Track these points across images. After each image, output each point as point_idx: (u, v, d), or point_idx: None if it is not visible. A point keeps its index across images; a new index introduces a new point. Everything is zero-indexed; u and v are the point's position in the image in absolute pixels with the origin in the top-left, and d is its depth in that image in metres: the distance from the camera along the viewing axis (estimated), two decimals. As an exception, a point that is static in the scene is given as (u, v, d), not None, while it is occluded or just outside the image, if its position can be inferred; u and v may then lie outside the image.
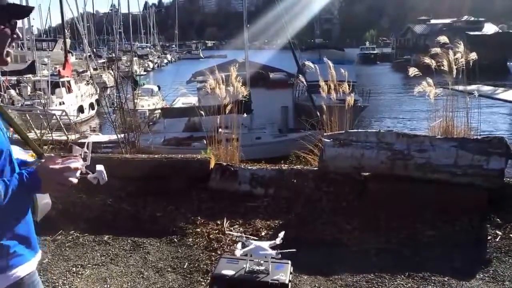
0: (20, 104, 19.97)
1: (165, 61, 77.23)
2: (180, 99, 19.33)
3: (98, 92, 26.32)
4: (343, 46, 39.63)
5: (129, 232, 4.56)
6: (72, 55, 35.18)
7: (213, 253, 4.10)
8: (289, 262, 3.02)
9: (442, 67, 6.54)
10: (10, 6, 1.63)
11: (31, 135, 11.63)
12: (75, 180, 1.63)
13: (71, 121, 16.53)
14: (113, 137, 10.98)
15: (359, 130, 5.40)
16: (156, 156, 6.08)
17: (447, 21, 69.63)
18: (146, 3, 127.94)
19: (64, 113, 15.99)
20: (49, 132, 12.91)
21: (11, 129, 1.95)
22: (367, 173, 5.09)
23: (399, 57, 67.99)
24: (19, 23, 1.75)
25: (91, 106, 26.43)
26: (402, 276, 3.70)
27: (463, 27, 59.50)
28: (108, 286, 3.66)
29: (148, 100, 21.25)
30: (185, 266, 3.93)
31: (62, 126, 14.02)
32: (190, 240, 4.40)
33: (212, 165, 5.45)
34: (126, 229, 4.61)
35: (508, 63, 46.35)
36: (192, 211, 4.89)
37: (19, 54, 33.06)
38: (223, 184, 5.29)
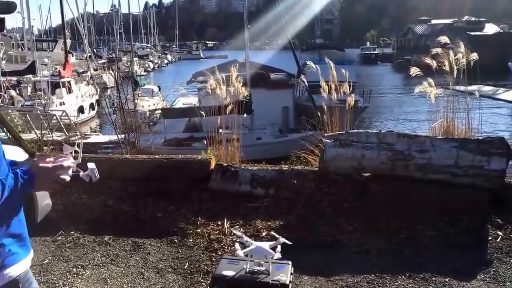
0: (20, 105, 19.96)
1: (166, 61, 77.24)
2: (180, 100, 19.33)
3: (98, 92, 26.29)
4: (343, 47, 39.59)
5: (129, 232, 4.56)
6: (72, 56, 35.16)
7: (214, 254, 4.09)
8: (290, 262, 3.01)
9: (443, 67, 6.54)
10: None
11: (32, 135, 11.64)
12: (68, 178, 1.66)
13: (72, 122, 16.51)
14: (114, 137, 10.98)
15: (360, 131, 5.39)
16: (156, 156, 6.07)
17: (448, 21, 69.55)
18: (146, 3, 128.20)
19: (64, 114, 15.96)
20: (50, 132, 12.91)
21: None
22: (367, 174, 5.09)
23: (400, 57, 67.94)
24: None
25: (92, 106, 26.44)
26: (403, 276, 3.69)
27: (464, 27, 59.45)
28: (109, 286, 3.65)
29: (148, 100, 21.24)
30: (185, 267, 3.93)
31: (63, 127, 14.00)
32: (191, 240, 4.40)
33: (212, 165, 5.44)
34: (126, 230, 4.61)
35: (509, 63, 46.43)
36: (193, 212, 4.89)
37: (19, 55, 33.17)
38: (224, 184, 5.29)
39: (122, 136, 9.20)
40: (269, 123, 15.67)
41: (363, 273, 3.75)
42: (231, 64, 10.51)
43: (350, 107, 6.94)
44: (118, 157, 6.22)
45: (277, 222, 4.63)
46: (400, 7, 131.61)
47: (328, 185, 5.05)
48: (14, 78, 24.59)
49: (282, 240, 3.10)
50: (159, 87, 26.04)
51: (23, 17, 28.36)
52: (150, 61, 64.40)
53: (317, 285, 3.63)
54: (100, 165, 5.90)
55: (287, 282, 2.80)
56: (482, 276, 3.68)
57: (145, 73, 47.98)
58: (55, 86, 22.97)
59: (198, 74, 17.11)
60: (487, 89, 25.09)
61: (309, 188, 5.08)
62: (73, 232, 4.61)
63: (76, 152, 1.75)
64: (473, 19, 69.16)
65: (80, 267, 3.94)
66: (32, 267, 3.87)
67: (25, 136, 11.36)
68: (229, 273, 2.88)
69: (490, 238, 4.24)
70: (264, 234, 4.40)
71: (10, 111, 14.59)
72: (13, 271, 1.66)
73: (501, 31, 63.00)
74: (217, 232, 4.50)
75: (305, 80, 9.76)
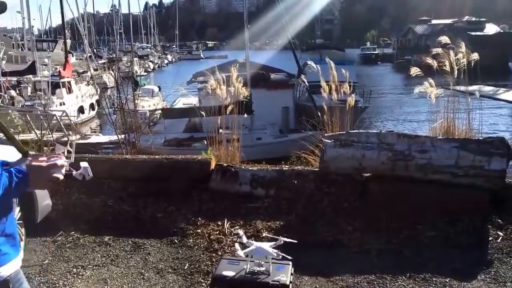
0: (20, 105, 19.95)
1: (166, 61, 77.19)
2: (180, 100, 19.33)
3: (98, 92, 26.25)
4: (343, 47, 39.55)
5: (129, 233, 4.56)
6: (72, 56, 35.13)
7: (214, 254, 4.09)
8: (290, 263, 3.01)
9: (443, 68, 6.53)
10: None
11: (32, 135, 11.64)
12: (61, 177, 1.68)
13: (72, 122, 16.49)
14: (114, 137, 10.99)
15: (360, 131, 5.39)
16: (156, 156, 6.07)
17: (448, 21, 69.45)
18: (146, 3, 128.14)
19: (64, 114, 15.92)
20: (50, 132, 12.90)
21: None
22: (368, 174, 5.08)
23: (400, 57, 67.88)
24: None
25: (92, 106, 26.42)
26: (403, 277, 3.69)
27: (464, 28, 59.34)
28: (109, 287, 3.65)
29: (148, 100, 21.22)
30: (185, 267, 3.93)
31: (63, 127, 13.98)
32: (191, 241, 4.40)
33: (212, 165, 5.44)
34: (126, 230, 4.61)
35: (509, 64, 46.37)
36: (193, 212, 4.89)
37: (19, 55, 33.16)
38: (224, 185, 5.29)
39: (122, 136, 9.21)
40: (269, 123, 15.65)
41: (363, 273, 3.74)
42: (231, 64, 10.51)
43: (350, 107, 6.94)
44: (118, 157, 6.23)
45: (278, 223, 4.63)
46: (400, 7, 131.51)
47: (329, 185, 5.05)
48: (14, 78, 24.55)
49: (283, 239, 3.09)
50: (159, 87, 26.01)
51: (23, 17, 28.32)
52: (150, 61, 64.37)
53: (317, 285, 3.63)
54: (100, 165, 5.93)
55: (287, 283, 2.80)
56: (483, 277, 3.68)
57: (145, 73, 47.96)
58: (55, 86, 22.96)
59: (198, 74, 17.10)
60: (488, 89, 25.05)
61: (309, 188, 5.08)
62: (73, 232, 4.61)
63: (68, 151, 1.77)
64: (473, 19, 69.07)
65: (80, 267, 3.94)
66: (32, 267, 3.89)
67: (25, 136, 11.37)
68: (229, 273, 2.88)
69: (490, 239, 4.24)
70: (264, 234, 4.39)
71: (10, 111, 14.59)
72: (4, 271, 1.67)
73: (501, 31, 62.91)
74: (217, 232, 4.50)
75: (305, 80, 9.75)
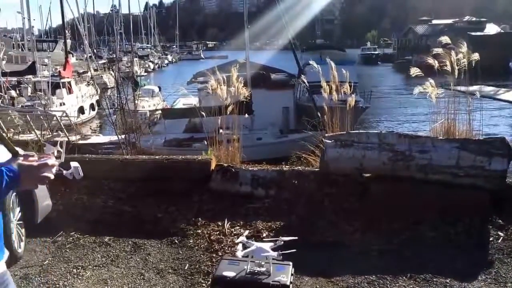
0: (20, 105, 19.95)
1: (166, 61, 77.22)
2: (180, 100, 19.33)
3: (98, 93, 26.31)
4: (344, 47, 39.56)
5: (129, 233, 4.56)
6: (72, 56, 35.11)
7: (214, 255, 4.09)
8: (291, 263, 3.01)
9: (444, 68, 6.52)
10: None
11: (32, 136, 11.64)
12: (52, 176, 1.69)
13: (72, 122, 16.51)
14: (114, 138, 10.98)
15: (361, 131, 5.39)
16: (156, 157, 6.07)
17: (449, 21, 69.42)
18: (146, 3, 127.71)
19: (64, 114, 15.97)
20: (50, 133, 12.91)
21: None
22: (368, 174, 5.08)
23: (401, 57, 67.84)
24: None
25: (92, 107, 26.43)
26: (404, 277, 3.68)
27: (465, 28, 59.30)
28: (109, 287, 3.64)
29: (148, 101, 21.22)
30: (186, 268, 3.92)
31: (63, 127, 14.01)
32: (191, 241, 4.39)
33: (213, 166, 5.44)
34: (126, 231, 4.60)
35: (510, 64, 46.26)
36: (193, 212, 4.88)
37: (19, 55, 33.14)
38: (224, 185, 5.28)
39: (123, 136, 9.20)
40: (269, 124, 15.65)
41: (364, 273, 3.74)
42: (231, 64, 10.51)
43: (351, 107, 6.93)
44: (118, 157, 6.22)
45: (278, 223, 4.62)
46: (400, 7, 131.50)
47: (329, 185, 5.04)
48: (14, 79, 24.57)
49: (283, 239, 3.09)
50: (159, 87, 26.00)
51: (23, 18, 28.31)
52: (151, 61, 64.40)
53: (318, 286, 3.62)
54: (100, 165, 5.93)
55: (288, 283, 2.80)
56: (483, 277, 3.67)
57: (146, 74, 47.99)
58: (55, 86, 22.98)
59: (199, 74, 17.11)
60: (488, 89, 25.03)
61: (309, 189, 5.07)
62: (73, 232, 4.61)
63: (59, 151, 1.78)
64: (474, 19, 69.05)
65: (80, 267, 3.94)
66: (32, 268, 3.88)
67: (26, 137, 11.37)
68: (230, 274, 2.88)
69: (491, 239, 4.23)
70: (264, 234, 4.39)
71: (10, 111, 14.59)
72: None
73: (502, 31, 62.89)
74: (218, 232, 4.49)
75: (305, 81, 9.74)
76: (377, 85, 37.04)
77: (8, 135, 11.07)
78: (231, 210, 4.91)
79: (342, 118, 6.87)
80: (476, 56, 6.66)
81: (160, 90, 25.21)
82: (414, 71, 7.09)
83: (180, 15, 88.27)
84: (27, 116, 13.80)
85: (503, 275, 3.69)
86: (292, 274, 2.94)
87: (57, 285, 3.65)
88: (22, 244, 4.15)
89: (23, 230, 4.19)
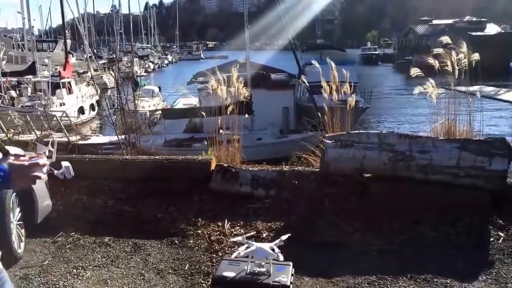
0: (20, 105, 19.96)
1: (166, 62, 77.22)
2: (180, 100, 19.33)
3: (98, 93, 26.34)
4: (344, 47, 39.59)
5: (130, 233, 4.55)
6: (72, 56, 35.13)
7: (214, 255, 4.08)
8: (291, 264, 3.01)
9: (444, 68, 6.51)
10: None
11: (32, 136, 11.64)
12: (43, 175, 1.70)
13: (72, 122, 16.51)
14: (114, 138, 10.99)
15: (361, 131, 5.39)
16: (157, 157, 6.07)
17: (449, 21, 69.41)
18: (146, 3, 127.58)
19: (64, 114, 15.96)
20: (50, 133, 12.90)
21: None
22: (368, 174, 5.07)
23: (401, 58, 67.83)
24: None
25: (92, 107, 26.44)
26: (404, 278, 3.68)
27: (465, 28, 59.26)
28: (109, 288, 3.64)
29: (148, 101, 21.22)
30: (186, 268, 3.92)
31: (63, 127, 14.01)
32: (191, 241, 4.39)
33: (213, 166, 5.44)
34: (127, 231, 4.60)
35: (510, 64, 46.26)
36: (193, 213, 4.88)
37: (19, 55, 33.15)
38: (224, 185, 5.28)
39: (123, 137, 9.21)
40: (269, 124, 15.65)
41: (364, 274, 3.73)
42: (231, 64, 10.50)
43: (351, 107, 6.92)
44: (118, 158, 6.22)
45: (278, 223, 4.62)
46: (401, 7, 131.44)
47: (329, 186, 5.04)
48: (14, 79, 24.57)
49: (284, 237, 3.09)
50: (159, 87, 26.01)
51: (23, 18, 28.35)
52: (151, 61, 64.41)
53: (318, 286, 3.62)
54: (100, 166, 5.92)
55: (288, 283, 2.80)
56: (484, 278, 3.67)
57: (146, 74, 48.00)
58: (55, 86, 22.99)
59: (199, 74, 17.12)
60: (489, 89, 25.01)
61: (310, 189, 5.07)
62: (73, 233, 4.60)
63: (50, 151, 1.80)
64: (474, 19, 69.07)
65: (80, 268, 3.93)
66: (32, 268, 3.88)
67: (26, 137, 11.37)
68: (230, 274, 2.87)
69: (491, 239, 4.23)
70: (265, 235, 4.39)
71: (10, 111, 14.59)
72: None
73: (502, 31, 62.86)
74: (218, 233, 4.49)
75: (305, 81, 9.74)
76: (377, 85, 37.00)
77: (8, 135, 11.08)
78: (231, 210, 4.91)
79: (342, 118, 6.86)
80: (476, 56, 6.65)
81: (160, 90, 25.21)
82: (415, 71, 7.08)
83: (180, 15, 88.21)
84: (27, 116, 13.80)
85: (504, 275, 3.69)
86: (292, 275, 2.93)
87: (57, 286, 3.65)
88: (22, 244, 4.15)
89: (23, 231, 4.19)
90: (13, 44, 38.05)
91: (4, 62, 28.92)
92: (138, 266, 3.98)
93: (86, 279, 3.76)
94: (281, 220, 4.67)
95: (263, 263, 2.93)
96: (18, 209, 4.08)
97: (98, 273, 3.85)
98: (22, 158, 1.69)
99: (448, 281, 3.61)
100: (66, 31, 30.44)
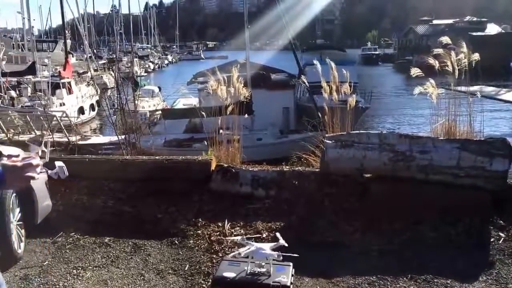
0: (20, 105, 19.96)
1: (166, 62, 77.24)
2: (181, 100, 19.34)
3: (98, 93, 26.35)
4: (344, 47, 39.61)
5: (130, 234, 4.55)
6: (72, 56, 35.15)
7: (214, 255, 4.08)
8: (291, 264, 3.00)
9: (445, 68, 6.51)
10: None
11: (32, 136, 11.64)
12: (36, 176, 1.71)
13: (72, 123, 16.51)
14: (114, 138, 11.00)
15: (361, 132, 5.38)
16: (157, 157, 6.07)
17: (450, 21, 69.39)
18: (146, 3, 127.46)
19: (64, 115, 15.97)
20: (50, 133, 12.91)
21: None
22: (369, 175, 5.07)
23: (401, 58, 67.82)
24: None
25: (92, 107, 26.46)
26: (405, 278, 3.67)
27: (465, 28, 59.25)
28: (109, 288, 3.64)
29: (148, 101, 21.24)
30: (186, 268, 3.91)
31: (63, 128, 14.01)
32: (191, 242, 4.38)
33: (213, 166, 5.43)
34: (127, 231, 4.60)
35: (511, 64, 46.25)
36: (193, 213, 4.88)
37: (19, 55, 33.16)
38: (224, 185, 5.28)
39: (123, 137, 9.21)
40: (270, 124, 15.65)
41: (364, 274, 3.73)
42: (231, 64, 10.51)
43: (351, 107, 6.92)
44: (118, 158, 6.22)
45: (278, 223, 4.61)
46: (401, 7, 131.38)
47: (329, 186, 5.03)
48: (14, 79, 24.58)
49: (283, 242, 3.08)
50: (159, 87, 26.02)
51: (23, 18, 28.37)
52: (151, 61, 64.42)
53: (318, 287, 3.62)
54: (100, 166, 5.91)
55: (288, 284, 2.80)
56: (484, 278, 3.66)
57: (146, 74, 47.99)
58: (55, 86, 23.00)
59: (199, 74, 17.13)
60: (489, 89, 25.02)
61: (310, 189, 5.06)
62: (73, 233, 4.60)
63: (43, 151, 1.80)
64: (475, 19, 69.06)
65: (80, 268, 3.93)
66: (32, 268, 3.87)
67: (25, 137, 11.37)
68: (230, 274, 2.87)
69: (492, 240, 4.22)
70: (265, 235, 4.38)
71: (10, 112, 14.59)
72: None
73: (503, 31, 62.86)
74: (218, 233, 4.48)
75: (306, 81, 9.74)
76: (377, 86, 37.00)
77: (8, 135, 11.08)
78: (231, 210, 4.90)
79: (343, 118, 6.85)
80: (476, 56, 6.64)
81: (160, 90, 25.23)
82: (415, 71, 7.07)
83: (180, 15, 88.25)
84: (27, 116, 13.81)
85: (504, 276, 3.68)
86: (292, 275, 2.93)
87: (57, 286, 3.64)
88: (22, 244, 4.14)
89: (23, 231, 4.18)
90: (13, 44, 38.07)
91: (4, 62, 28.93)
92: (138, 266, 3.97)
93: (86, 279, 3.76)
94: (281, 220, 4.67)
95: (263, 264, 2.92)
96: (18, 210, 4.08)
97: (98, 274, 3.85)
98: (14, 158, 1.69)
99: (448, 282, 3.60)
100: (66, 31, 30.45)
